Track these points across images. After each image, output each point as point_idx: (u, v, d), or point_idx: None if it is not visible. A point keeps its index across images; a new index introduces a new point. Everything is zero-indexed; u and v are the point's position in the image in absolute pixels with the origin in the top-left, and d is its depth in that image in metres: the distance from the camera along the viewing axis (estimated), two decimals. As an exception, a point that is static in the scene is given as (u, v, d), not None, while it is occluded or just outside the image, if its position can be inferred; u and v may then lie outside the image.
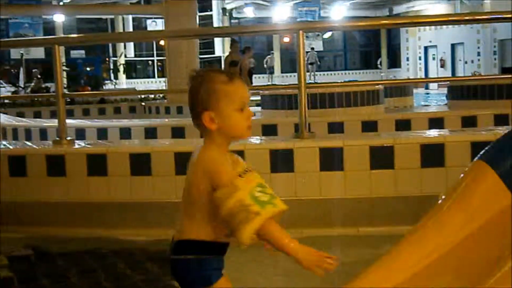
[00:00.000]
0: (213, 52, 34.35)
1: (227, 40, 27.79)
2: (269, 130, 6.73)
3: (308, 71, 27.62)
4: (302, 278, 2.34)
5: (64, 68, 16.23)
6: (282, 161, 4.18)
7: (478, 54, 28.91)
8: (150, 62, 37.51)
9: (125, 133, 7.35)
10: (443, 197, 2.35)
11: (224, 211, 1.83)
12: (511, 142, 2.35)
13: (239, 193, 1.83)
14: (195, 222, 1.94)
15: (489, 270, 1.65)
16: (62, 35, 24.32)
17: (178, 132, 7.04)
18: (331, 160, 4.15)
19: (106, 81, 22.59)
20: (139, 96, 14.13)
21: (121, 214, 4.26)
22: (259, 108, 8.35)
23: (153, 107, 12.26)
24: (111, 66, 30.13)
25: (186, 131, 7.05)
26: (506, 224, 2.14)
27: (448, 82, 8.95)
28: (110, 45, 33.68)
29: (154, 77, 36.51)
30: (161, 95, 14.23)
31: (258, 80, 29.26)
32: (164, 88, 24.35)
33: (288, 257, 1.86)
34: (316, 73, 32.26)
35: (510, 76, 12.40)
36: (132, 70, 35.31)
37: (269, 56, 33.52)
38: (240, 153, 4.17)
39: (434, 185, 3.98)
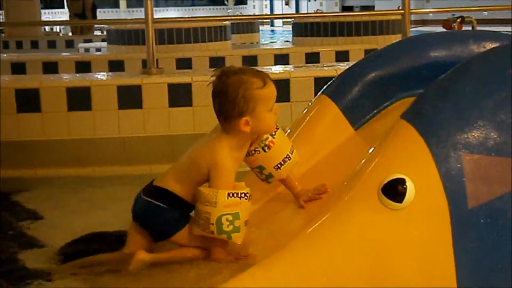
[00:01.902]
0: (54, -16, 32.62)
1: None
2: (115, 66, 6.58)
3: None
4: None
5: None
6: (129, 98, 4.12)
7: (321, -8, 29.70)
8: (-16, -7, 35.03)
9: (-41, 69, 6.87)
10: (289, 131, 2.44)
11: (196, 205, 1.97)
12: (352, 77, 2.47)
13: (213, 209, 1.92)
14: (182, 183, 2.04)
15: (333, 199, 1.74)
16: None
17: (18, 68, 6.69)
18: (179, 96, 4.15)
19: None
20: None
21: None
22: (105, 44, 8.11)
23: (-11, 42, 11.53)
24: None
25: (27, 67, 6.72)
26: (347, 155, 2.26)
27: (292, 19, 9.14)
28: None
29: (-11, 9, 34.19)
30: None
31: (103, 14, 28.29)
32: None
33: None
34: (162, 8, 31.71)
35: (350, 13, 12.89)
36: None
37: None
38: (86, 90, 4.05)
39: (281, 120, 4.10)
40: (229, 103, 1.99)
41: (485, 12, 14.62)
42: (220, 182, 1.96)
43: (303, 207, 2.17)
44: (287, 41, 10.09)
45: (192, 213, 2.08)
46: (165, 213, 2.04)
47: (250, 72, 2.04)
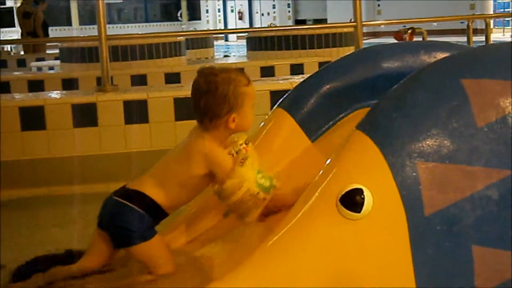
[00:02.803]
0: (4, 3, 32.19)
1: (19, -10, 26.09)
2: (69, 84, 6.50)
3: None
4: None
5: None
6: (85, 116, 4.08)
7: (274, 6, 29.92)
8: None
9: None
10: (247, 144, 2.44)
11: (234, 200, 2.00)
12: (307, 90, 2.49)
13: (246, 184, 1.98)
14: (161, 187, 2.04)
15: (291, 211, 1.74)
16: None
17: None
18: (135, 113, 4.12)
19: None
20: None
21: None
22: (58, 62, 8.02)
23: None
24: None
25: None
26: (304, 167, 2.28)
27: (246, 34, 9.18)
28: None
29: None
30: None
31: (56, 32, 28.00)
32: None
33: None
34: (117, 25, 31.51)
35: (303, 27, 13.00)
36: None
37: None
38: (40, 109, 4.00)
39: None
40: (219, 101, 2.03)
41: (435, 23, 14.91)
42: (226, 165, 2.03)
43: (263, 220, 2.18)
44: (226, 55, 10.14)
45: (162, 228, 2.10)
46: (136, 216, 2.03)
47: (233, 71, 2.13)
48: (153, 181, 2.07)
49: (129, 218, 2.03)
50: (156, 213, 2.06)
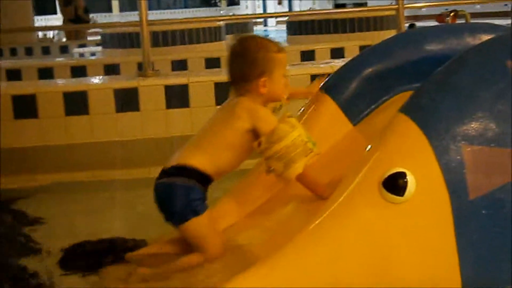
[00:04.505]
0: (46, -10, 32.58)
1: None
2: (111, 70, 6.57)
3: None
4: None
5: None
6: (127, 101, 4.11)
7: (313, -10, 29.73)
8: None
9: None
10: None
11: (285, 144, 2.00)
12: (349, 73, 2.48)
13: (298, 129, 2.03)
14: (204, 153, 2.07)
15: (334, 195, 1.74)
16: None
17: (13, 75, 6.68)
18: (176, 97, 4.15)
19: None
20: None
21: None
22: (100, 48, 8.11)
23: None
24: None
25: (23, 73, 6.71)
26: (347, 148, 2.27)
27: (286, 18, 9.14)
28: None
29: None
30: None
31: (97, 19, 28.27)
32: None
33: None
34: (156, 11, 31.68)
35: (344, 10, 12.88)
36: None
37: None
38: (83, 94, 4.05)
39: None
40: (250, 63, 2.11)
41: (478, 6, 14.63)
42: (270, 119, 2.06)
43: None
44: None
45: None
46: (182, 192, 2.04)
47: (266, 38, 2.23)
48: (193, 150, 2.09)
49: (176, 195, 2.04)
50: (204, 180, 2.07)
